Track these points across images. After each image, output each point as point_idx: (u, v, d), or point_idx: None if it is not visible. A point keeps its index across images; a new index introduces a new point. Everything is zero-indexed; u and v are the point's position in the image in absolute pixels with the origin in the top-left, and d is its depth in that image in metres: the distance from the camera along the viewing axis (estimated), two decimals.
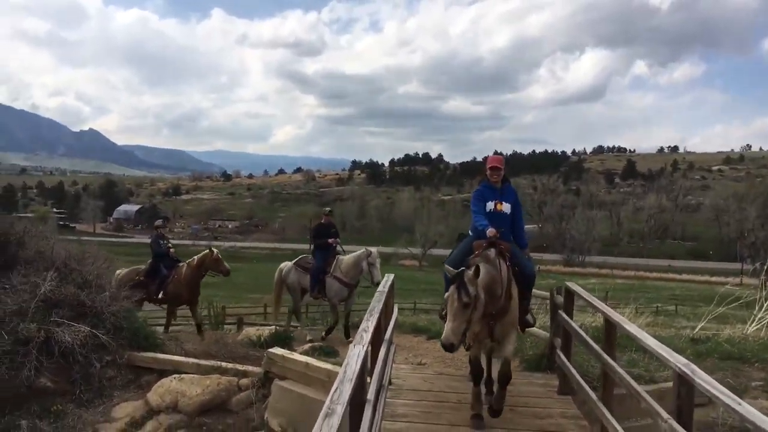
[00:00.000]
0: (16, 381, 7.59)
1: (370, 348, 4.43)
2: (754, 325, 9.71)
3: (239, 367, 8.20)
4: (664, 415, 3.72)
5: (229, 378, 7.95)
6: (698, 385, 3.41)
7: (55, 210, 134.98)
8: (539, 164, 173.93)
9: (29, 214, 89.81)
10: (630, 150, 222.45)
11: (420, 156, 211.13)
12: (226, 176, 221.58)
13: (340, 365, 3.51)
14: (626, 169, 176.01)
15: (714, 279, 65.60)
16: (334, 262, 10.82)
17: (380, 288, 6.43)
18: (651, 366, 7.15)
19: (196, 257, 11.16)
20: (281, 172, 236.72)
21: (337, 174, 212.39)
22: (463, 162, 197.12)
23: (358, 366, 3.37)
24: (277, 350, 7.91)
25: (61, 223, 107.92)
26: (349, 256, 10.88)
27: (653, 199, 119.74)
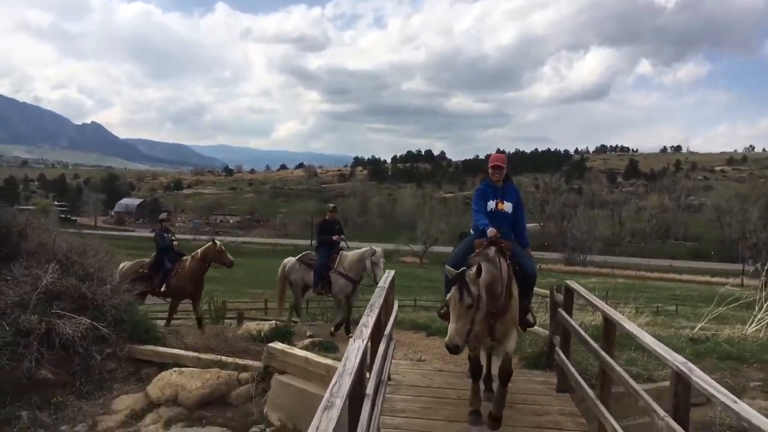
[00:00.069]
0: (17, 372, 7.62)
1: (369, 343, 4.44)
2: (753, 325, 9.74)
3: (239, 361, 8.23)
4: (661, 413, 3.74)
5: (229, 372, 7.98)
6: (695, 383, 3.43)
7: (56, 203, 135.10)
8: (542, 163, 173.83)
9: (31, 207, 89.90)
10: (633, 149, 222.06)
11: (422, 153, 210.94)
12: (228, 171, 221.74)
13: (340, 360, 3.52)
14: (629, 169, 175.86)
15: (715, 280, 65.61)
16: (338, 258, 10.83)
17: (380, 284, 6.46)
18: (650, 365, 7.18)
19: (199, 250, 11.16)
20: (283, 167, 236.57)
21: (339, 170, 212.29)
22: (466, 159, 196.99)
23: (358, 360, 3.39)
24: (277, 345, 7.93)
25: (62, 216, 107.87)
26: (353, 252, 10.89)
27: (655, 198, 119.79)
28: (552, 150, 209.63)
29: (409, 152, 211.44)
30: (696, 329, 10.01)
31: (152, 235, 12.17)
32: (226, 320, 13.38)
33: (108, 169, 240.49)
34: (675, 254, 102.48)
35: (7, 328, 7.78)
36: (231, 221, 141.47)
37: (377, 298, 5.41)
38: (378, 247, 11.00)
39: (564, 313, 6.81)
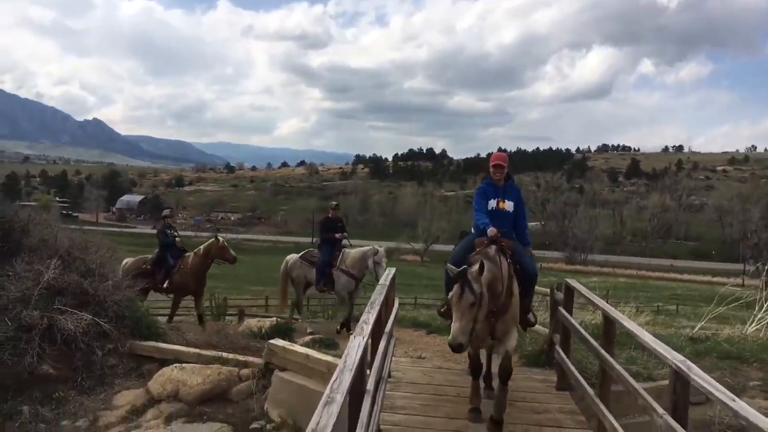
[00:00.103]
0: (18, 367, 7.65)
1: (370, 340, 4.46)
2: (753, 325, 9.74)
3: (240, 357, 8.25)
4: (660, 410, 3.76)
5: (230, 368, 8.00)
6: (694, 381, 3.44)
7: (58, 199, 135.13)
8: (543, 161, 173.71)
9: (32, 203, 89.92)
10: (635, 149, 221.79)
11: (423, 151, 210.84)
12: (230, 168, 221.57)
13: (340, 357, 3.54)
14: (630, 168, 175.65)
15: (716, 279, 65.56)
16: (340, 256, 10.84)
17: (381, 281, 6.46)
18: (649, 364, 7.19)
19: (202, 246, 11.16)
20: (284, 165, 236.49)
21: (341, 168, 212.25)
22: (467, 158, 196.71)
23: (358, 357, 3.41)
24: (278, 341, 7.95)
25: (63, 212, 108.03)
26: (355, 250, 10.91)
27: (657, 198, 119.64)
28: (553, 149, 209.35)
29: (410, 150, 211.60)
30: (696, 329, 10.02)
31: (154, 231, 12.18)
32: (227, 317, 13.41)
33: (109, 165, 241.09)
34: (676, 254, 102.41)
35: (9, 324, 7.82)
36: (232, 218, 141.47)
37: (378, 296, 5.42)
38: (381, 247, 11.01)
39: (564, 312, 6.83)
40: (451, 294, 4.91)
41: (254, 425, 7.20)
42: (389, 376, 6.47)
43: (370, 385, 4.03)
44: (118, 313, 8.64)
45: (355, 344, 3.63)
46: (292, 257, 11.57)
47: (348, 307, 10.98)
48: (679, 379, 3.63)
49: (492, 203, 5.91)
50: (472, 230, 6.08)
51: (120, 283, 9.25)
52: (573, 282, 7.06)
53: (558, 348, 6.84)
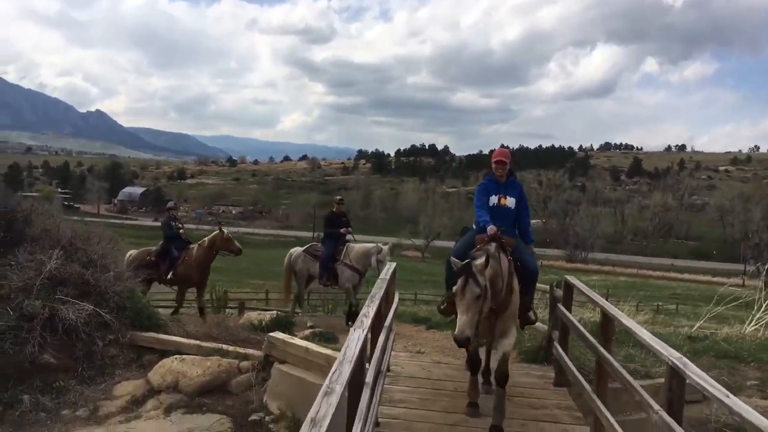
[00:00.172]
0: (20, 356, 7.68)
1: (369, 333, 4.48)
2: (752, 325, 9.77)
3: (240, 349, 8.28)
4: (656, 407, 3.79)
5: (230, 360, 8.03)
6: (689, 377, 3.47)
7: (59, 190, 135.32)
8: (545, 159, 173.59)
9: (34, 194, 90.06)
10: (637, 147, 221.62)
11: (426, 147, 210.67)
12: (232, 162, 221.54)
13: (340, 351, 3.57)
14: (633, 167, 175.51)
15: (716, 279, 65.52)
16: (344, 250, 10.87)
17: (382, 275, 6.49)
18: (647, 361, 7.22)
19: (206, 238, 11.20)
20: (287, 159, 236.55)
21: (343, 163, 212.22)
22: (470, 155, 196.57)
23: (358, 349, 3.44)
24: (278, 334, 7.98)
25: (65, 203, 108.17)
26: (360, 245, 10.94)
27: (658, 197, 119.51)
28: (556, 147, 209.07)
29: (412, 146, 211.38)
30: (695, 328, 10.05)
31: (158, 224, 12.29)
32: (227, 310, 13.46)
33: (112, 157, 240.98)
34: (677, 253, 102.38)
35: (11, 313, 7.85)
36: (234, 212, 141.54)
37: (378, 290, 5.44)
38: (385, 245, 11.04)
39: (563, 309, 6.85)
40: (455, 287, 4.83)
41: (253, 417, 7.23)
42: (388, 370, 6.51)
43: (369, 377, 4.06)
44: (119, 304, 8.68)
45: (355, 337, 3.66)
46: (296, 250, 11.59)
47: (354, 299, 10.99)
48: (675, 375, 3.66)
49: (493, 199, 5.88)
50: (473, 226, 6.07)
51: (121, 274, 9.29)
52: (572, 279, 7.09)
53: (556, 344, 6.87)
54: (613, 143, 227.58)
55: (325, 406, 2.48)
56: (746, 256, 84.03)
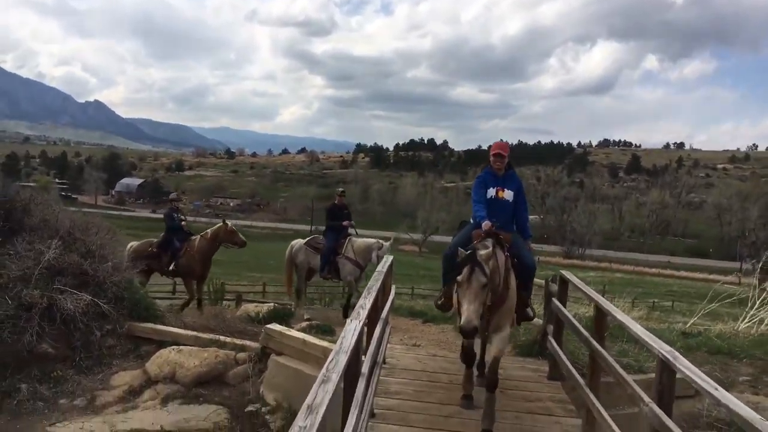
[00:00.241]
0: (18, 345, 7.72)
1: (366, 325, 4.53)
2: (745, 321, 9.83)
3: (237, 341, 8.32)
4: (646, 399, 3.85)
5: (227, 351, 8.07)
6: (679, 370, 3.52)
7: (57, 180, 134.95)
8: (544, 155, 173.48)
9: (31, 184, 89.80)
10: (636, 144, 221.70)
11: (425, 142, 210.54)
12: (230, 154, 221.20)
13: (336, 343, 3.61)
14: (631, 164, 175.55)
15: (712, 277, 65.62)
16: (346, 243, 10.86)
17: (379, 268, 6.53)
18: (640, 356, 7.28)
19: (209, 230, 11.20)
20: (285, 151, 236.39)
21: (341, 156, 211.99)
22: (468, 149, 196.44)
23: (354, 339, 3.49)
24: (275, 326, 8.01)
25: (62, 194, 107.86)
26: (361, 240, 10.93)
27: (656, 194, 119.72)
28: (555, 143, 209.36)
29: (411, 140, 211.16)
30: (689, 324, 10.12)
31: (156, 215, 12.31)
32: (224, 302, 13.50)
33: (110, 148, 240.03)
34: (674, 251, 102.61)
35: (10, 302, 7.89)
36: (231, 204, 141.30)
37: (375, 282, 5.49)
38: (387, 241, 11.05)
39: (558, 303, 6.90)
40: (460, 277, 4.77)
41: (250, 408, 7.28)
42: (384, 362, 6.55)
43: (365, 368, 4.11)
44: (117, 295, 8.72)
45: (352, 327, 3.71)
46: (297, 243, 11.55)
47: (356, 292, 11.01)
48: (666, 368, 3.71)
49: (491, 192, 5.86)
50: (471, 221, 6.05)
51: (119, 264, 9.33)
52: (567, 274, 7.14)
53: (551, 338, 6.92)
54: (611, 140, 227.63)
55: (321, 394, 2.53)
56: (743, 255, 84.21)
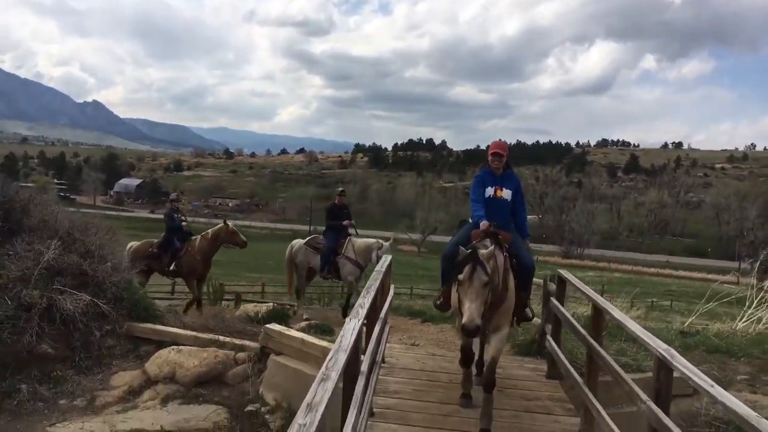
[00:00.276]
0: (17, 346, 7.72)
1: (365, 324, 4.54)
2: (743, 321, 9.85)
3: (236, 341, 8.32)
4: (644, 397, 3.87)
5: (226, 351, 8.07)
6: (676, 368, 3.54)
7: (56, 181, 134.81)
8: (542, 155, 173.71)
9: (30, 184, 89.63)
10: (634, 144, 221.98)
11: (423, 142, 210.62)
12: (229, 154, 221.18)
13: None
14: (629, 164, 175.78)
15: (711, 277, 65.59)
16: (346, 243, 10.86)
17: (377, 268, 6.54)
18: (639, 356, 7.29)
19: (210, 230, 11.22)
20: (284, 152, 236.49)
21: (340, 156, 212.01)
22: (467, 149, 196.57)
23: (353, 338, 3.50)
24: (274, 326, 8.01)
25: (61, 194, 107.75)
26: (361, 240, 10.94)
27: (655, 194, 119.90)
28: (553, 142, 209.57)
29: (410, 140, 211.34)
30: (687, 323, 10.14)
31: (154, 215, 12.33)
32: (223, 302, 13.51)
33: (108, 148, 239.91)
34: (672, 250, 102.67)
35: (9, 302, 7.88)
36: (230, 204, 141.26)
37: (374, 282, 5.51)
38: (387, 241, 11.05)
39: (556, 302, 6.92)
40: (461, 275, 4.76)
41: (249, 408, 7.28)
42: (383, 361, 6.57)
43: (364, 367, 4.13)
44: (117, 295, 8.72)
45: (351, 326, 3.72)
46: (297, 243, 11.54)
47: (356, 292, 11.01)
48: (663, 366, 3.74)
49: (489, 191, 5.83)
50: (470, 220, 6.04)
51: (119, 264, 9.33)
52: (565, 273, 7.17)
53: (549, 338, 6.94)
54: (610, 140, 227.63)
55: (321, 392, 2.54)
56: (741, 254, 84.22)
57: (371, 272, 10.27)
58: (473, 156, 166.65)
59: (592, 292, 5.94)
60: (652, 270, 77.34)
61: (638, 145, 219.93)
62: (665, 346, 3.84)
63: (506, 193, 5.89)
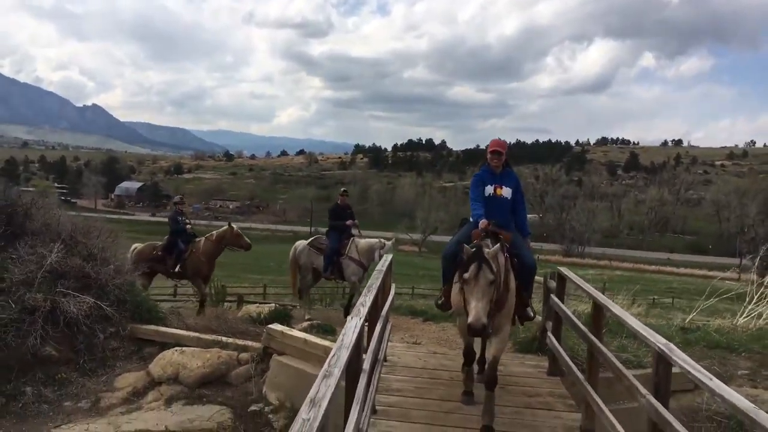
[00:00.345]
0: (22, 349, 7.75)
1: (366, 322, 4.58)
2: (744, 316, 9.88)
3: (239, 341, 8.36)
4: (643, 391, 3.91)
5: (229, 352, 8.11)
6: (675, 363, 3.58)
7: (56, 185, 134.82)
8: (542, 154, 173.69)
9: (31, 188, 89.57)
10: (634, 142, 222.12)
11: (423, 142, 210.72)
12: (229, 156, 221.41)
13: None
14: (629, 162, 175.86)
15: (712, 273, 65.50)
16: (349, 243, 10.88)
17: (378, 267, 6.58)
18: (639, 352, 7.32)
19: (214, 232, 11.27)
20: (284, 153, 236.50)
21: (340, 157, 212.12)
22: (466, 149, 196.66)
23: (355, 336, 3.54)
24: (277, 326, 8.05)
25: (62, 198, 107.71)
26: (364, 240, 10.96)
27: (655, 192, 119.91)
28: (553, 141, 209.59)
29: (409, 141, 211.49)
30: (688, 319, 10.16)
31: (156, 219, 12.39)
32: (226, 303, 13.56)
33: (108, 152, 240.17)
34: (673, 247, 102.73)
35: (13, 306, 7.91)
36: (231, 206, 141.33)
37: (375, 281, 5.54)
38: (389, 240, 11.08)
39: (556, 299, 6.95)
40: (467, 274, 4.72)
41: (253, 408, 7.33)
42: (385, 359, 6.62)
43: (366, 365, 4.16)
44: (120, 297, 8.76)
45: (352, 325, 3.76)
46: (301, 244, 11.55)
47: (359, 292, 11.02)
48: (662, 361, 3.77)
49: (489, 189, 5.80)
50: (470, 219, 6.01)
51: (121, 267, 9.39)
52: (565, 271, 7.20)
53: (550, 335, 6.96)
54: (609, 138, 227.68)
55: (324, 388, 2.59)
56: (742, 251, 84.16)
57: (372, 271, 10.38)
58: (473, 155, 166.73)
59: (592, 289, 5.96)
60: (653, 267, 77.39)
61: (638, 143, 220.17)
62: (664, 340, 3.87)
63: (506, 192, 5.87)
